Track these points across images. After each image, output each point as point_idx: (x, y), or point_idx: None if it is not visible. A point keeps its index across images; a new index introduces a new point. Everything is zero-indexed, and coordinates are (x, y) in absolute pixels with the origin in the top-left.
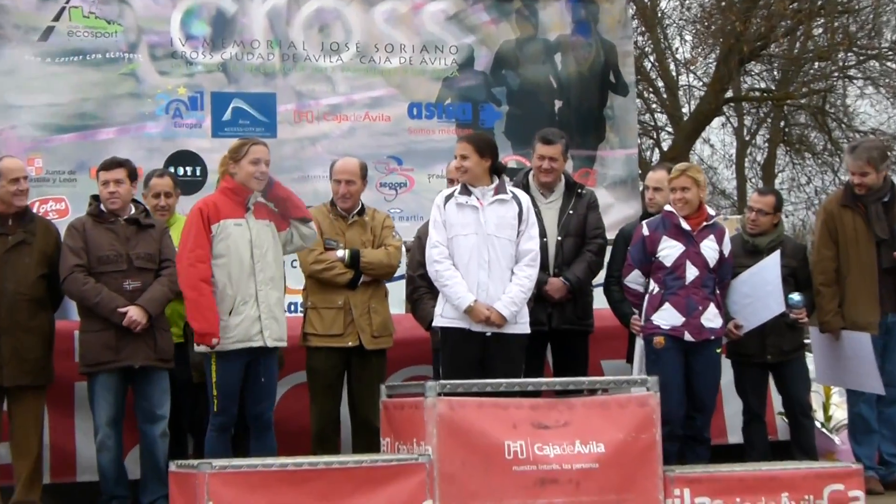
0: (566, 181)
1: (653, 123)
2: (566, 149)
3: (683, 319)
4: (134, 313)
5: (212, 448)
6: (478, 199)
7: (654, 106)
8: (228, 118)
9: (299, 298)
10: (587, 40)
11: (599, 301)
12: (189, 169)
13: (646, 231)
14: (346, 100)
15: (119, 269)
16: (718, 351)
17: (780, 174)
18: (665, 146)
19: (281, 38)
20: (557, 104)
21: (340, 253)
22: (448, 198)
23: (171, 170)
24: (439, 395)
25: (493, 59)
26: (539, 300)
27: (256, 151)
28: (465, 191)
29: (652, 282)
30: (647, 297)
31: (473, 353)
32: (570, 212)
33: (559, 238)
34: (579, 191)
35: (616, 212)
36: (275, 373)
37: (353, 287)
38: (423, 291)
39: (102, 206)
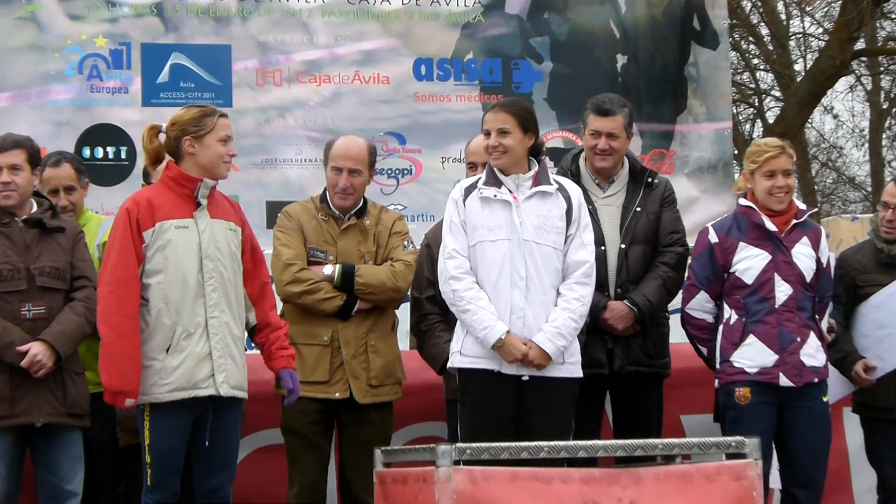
0: (631, 167)
1: (753, 86)
2: (630, 121)
3: (776, 357)
4: (37, 351)
5: None
6: (511, 191)
7: (755, 62)
8: (165, 80)
9: None
10: None
11: (678, 334)
12: (111, 150)
13: (714, 236)
14: (328, 54)
15: (15, 288)
16: (827, 400)
17: None
18: (771, 117)
19: None
20: (620, 61)
21: (329, 269)
22: (469, 190)
23: (87, 151)
24: (456, 462)
25: None
26: (595, 332)
27: (225, 126)
28: (494, 180)
29: (726, 307)
30: (720, 329)
31: (504, 405)
32: (638, 209)
33: (622, 246)
34: (649, 180)
35: (702, 208)
36: (234, 433)
37: (344, 317)
38: (434, 320)
39: None
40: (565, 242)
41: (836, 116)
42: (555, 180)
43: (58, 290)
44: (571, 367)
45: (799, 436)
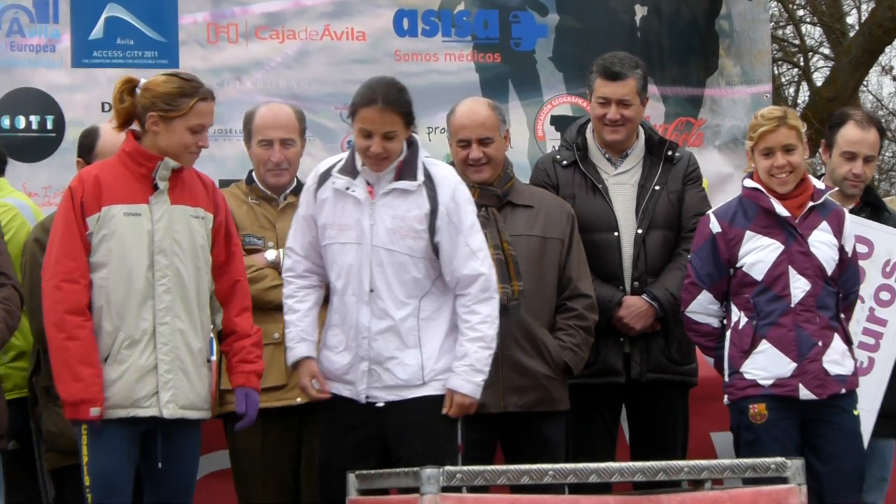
0: (647, 138)
1: (798, 42)
2: (644, 85)
3: (794, 366)
4: None
5: None
6: (369, 183)
7: (800, 14)
8: (99, 35)
9: None
10: None
11: None
12: (35, 119)
13: (716, 225)
14: (292, 5)
15: None
16: (858, 413)
17: None
18: (818, 79)
19: None
20: (639, 12)
21: (272, 254)
22: (324, 177)
23: (6, 121)
24: (445, 489)
25: None
26: (609, 333)
27: (202, 113)
28: (351, 169)
29: (734, 308)
30: (728, 334)
31: (363, 431)
32: (656, 188)
33: (639, 231)
34: (669, 153)
35: (736, 187)
36: (189, 456)
37: None
38: None
39: None
40: (436, 250)
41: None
42: (426, 172)
43: None
44: (435, 384)
45: (827, 457)
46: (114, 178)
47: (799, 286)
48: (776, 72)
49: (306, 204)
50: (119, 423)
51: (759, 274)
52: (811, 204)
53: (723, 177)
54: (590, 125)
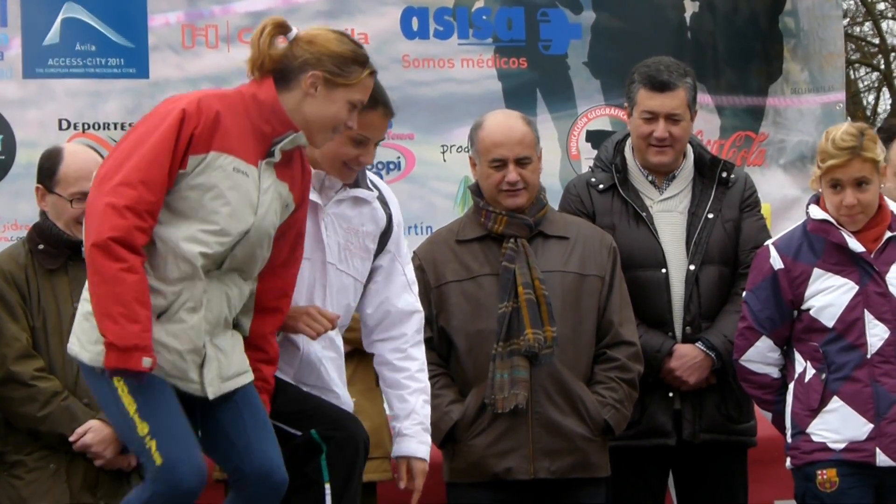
0: (697, 158)
1: (877, 41)
2: (694, 96)
3: (871, 427)
4: None
5: None
6: (315, 189)
7: (880, 8)
8: (55, 41)
9: None
10: None
11: None
12: None
13: (777, 260)
14: (282, 2)
15: None
16: None
17: None
18: None
19: None
20: (690, 8)
21: None
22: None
23: None
24: None
25: None
26: (656, 388)
27: (366, 89)
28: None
29: (799, 357)
30: (791, 387)
31: None
32: (709, 216)
33: (691, 268)
34: (724, 175)
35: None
36: (257, 407)
37: None
38: (431, 372)
39: None
40: (371, 274)
41: None
42: (372, 183)
43: None
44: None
45: None
46: (234, 123)
47: (876, 333)
48: (852, 76)
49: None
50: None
51: (829, 319)
52: (889, 234)
53: (788, 201)
54: (629, 142)
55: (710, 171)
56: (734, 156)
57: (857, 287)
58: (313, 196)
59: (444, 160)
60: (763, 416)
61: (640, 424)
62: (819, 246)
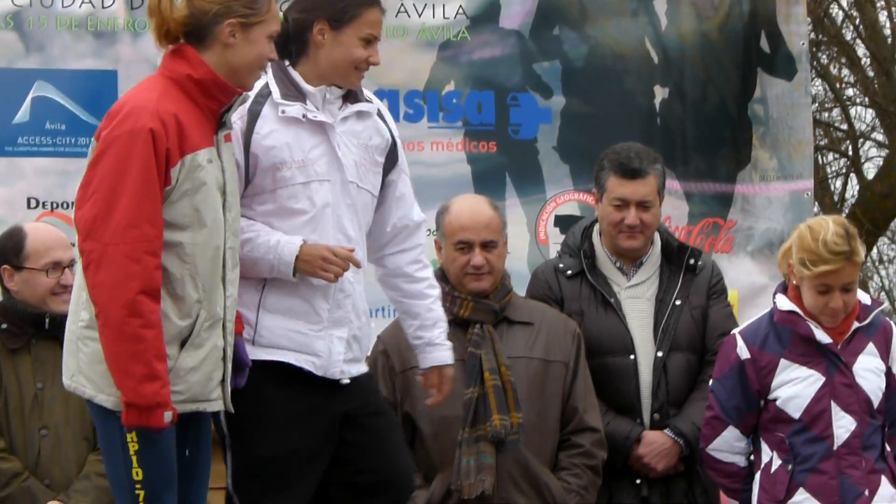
0: (665, 244)
1: (846, 128)
2: (663, 183)
3: None
4: None
5: None
6: (318, 108)
7: (849, 93)
8: (25, 119)
9: None
10: None
11: None
12: None
13: (744, 350)
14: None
15: None
16: None
17: None
18: (870, 170)
19: None
20: (659, 94)
21: None
22: (256, 109)
23: None
24: None
25: (535, 8)
26: (624, 474)
27: (277, 17)
28: (295, 91)
29: (765, 447)
30: (757, 477)
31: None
32: (677, 303)
33: (659, 354)
34: (691, 262)
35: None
36: (209, 439)
37: None
38: None
39: None
40: (385, 188)
41: None
42: (369, 96)
43: None
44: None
45: None
46: (187, 115)
47: (843, 425)
48: (820, 162)
49: (241, 144)
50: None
51: (796, 411)
52: (856, 325)
53: (756, 288)
54: (596, 227)
55: (677, 258)
56: (702, 242)
57: (823, 378)
58: (321, 115)
59: None
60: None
61: None
62: (786, 336)
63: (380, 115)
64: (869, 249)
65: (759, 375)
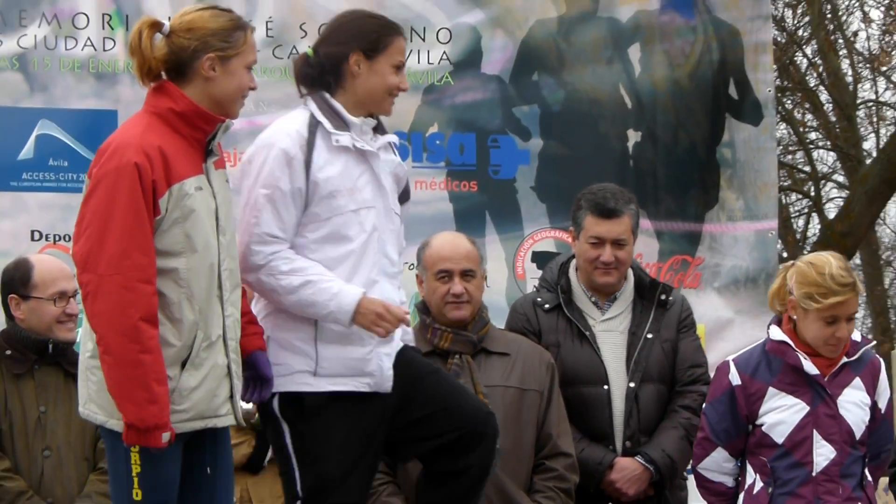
0: (637, 280)
1: (809, 169)
2: (637, 222)
3: None
4: None
5: None
6: (359, 137)
7: (812, 137)
8: (29, 156)
9: None
10: (688, 21)
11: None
12: None
13: (735, 377)
14: (246, 124)
15: None
16: None
17: None
18: (831, 210)
19: (128, 10)
20: (632, 138)
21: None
22: (312, 140)
23: None
24: None
25: (516, 55)
26: (597, 499)
27: (253, 46)
28: (340, 120)
29: (750, 469)
30: (741, 497)
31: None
32: (648, 336)
33: (631, 385)
34: (662, 297)
35: (738, 334)
36: (231, 455)
37: (255, 470)
38: (379, 480)
39: None
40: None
41: None
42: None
43: None
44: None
45: None
46: (173, 147)
47: (823, 454)
48: (784, 201)
49: (291, 175)
50: (178, 437)
51: (780, 437)
52: (845, 360)
53: (722, 322)
54: (573, 264)
55: (649, 294)
56: (671, 278)
57: (808, 408)
58: (364, 142)
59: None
60: None
61: None
62: (776, 365)
63: (394, 146)
64: None
65: (748, 401)
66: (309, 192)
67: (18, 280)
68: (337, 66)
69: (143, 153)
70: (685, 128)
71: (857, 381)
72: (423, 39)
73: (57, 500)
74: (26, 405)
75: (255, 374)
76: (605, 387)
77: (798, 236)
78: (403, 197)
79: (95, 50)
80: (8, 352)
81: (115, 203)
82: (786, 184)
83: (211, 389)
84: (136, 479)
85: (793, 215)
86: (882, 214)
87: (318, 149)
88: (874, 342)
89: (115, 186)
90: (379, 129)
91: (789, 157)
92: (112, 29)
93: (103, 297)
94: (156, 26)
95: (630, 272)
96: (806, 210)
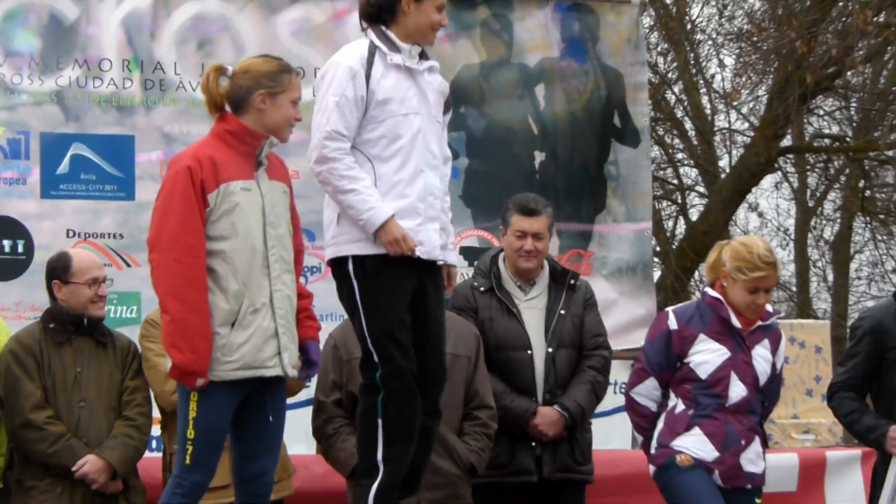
0: (552, 269)
1: (676, 182)
2: (552, 222)
3: (717, 455)
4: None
5: None
6: (407, 60)
7: (679, 157)
8: (65, 171)
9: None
10: (582, 66)
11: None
12: (7, 243)
13: (673, 323)
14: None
15: None
16: (759, 502)
17: (857, 255)
18: (694, 214)
19: (142, 56)
20: (538, 157)
21: None
22: (371, 59)
23: None
24: None
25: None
26: (523, 439)
27: (299, 86)
28: (394, 45)
29: (673, 395)
30: (663, 416)
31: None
32: (562, 312)
33: (549, 350)
34: (571, 282)
35: (621, 311)
36: (284, 414)
37: None
38: (339, 423)
39: None
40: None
41: (761, 215)
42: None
43: None
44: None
45: None
46: (224, 156)
47: (737, 391)
48: (656, 207)
49: (354, 86)
50: (232, 384)
51: (704, 373)
52: (760, 323)
53: (608, 302)
54: (501, 255)
55: (561, 279)
56: (568, 267)
57: (729, 354)
58: (411, 63)
59: None
60: (597, 460)
61: (510, 466)
62: (708, 317)
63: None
64: (691, 274)
65: (681, 343)
66: (368, 99)
67: (60, 269)
68: (392, 6)
69: (196, 160)
70: (579, 150)
71: (766, 341)
72: None
73: (90, 441)
74: (66, 366)
75: (307, 357)
76: (529, 352)
77: (668, 235)
78: (446, 108)
79: (117, 88)
80: (51, 325)
81: (172, 198)
82: (658, 193)
83: (256, 346)
84: (191, 422)
85: (664, 218)
86: (734, 217)
87: (376, 66)
88: (781, 314)
89: (173, 186)
90: (423, 56)
91: (661, 172)
92: (130, 71)
93: (162, 269)
94: (220, 70)
95: (546, 263)
96: (674, 214)
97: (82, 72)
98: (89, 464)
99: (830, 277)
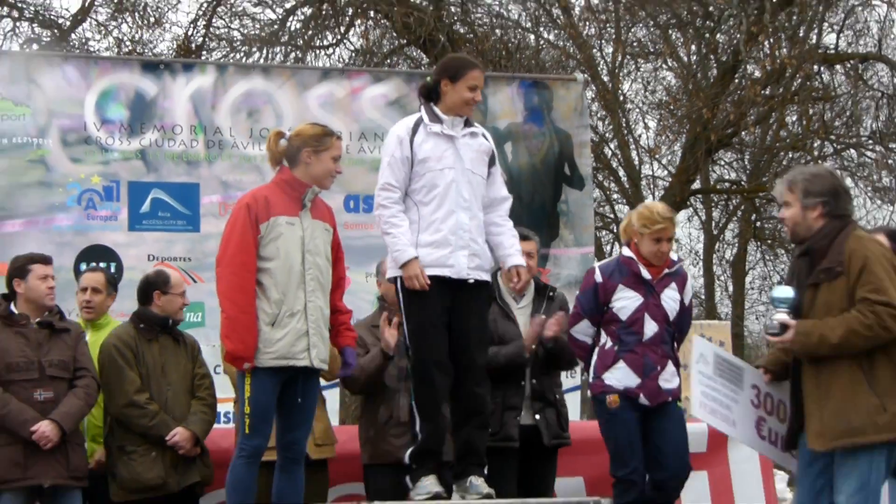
0: (535, 284)
1: (612, 216)
2: (538, 248)
3: (639, 381)
4: (46, 429)
5: (238, 478)
6: (449, 129)
7: (614, 196)
8: (147, 210)
9: (230, 407)
10: (540, 129)
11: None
12: (102, 265)
13: (599, 277)
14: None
15: (30, 377)
16: (680, 405)
17: (750, 271)
18: None
19: (206, 123)
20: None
21: None
22: (415, 128)
23: (83, 266)
24: None
25: None
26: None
27: (339, 147)
28: (436, 117)
29: (603, 334)
30: (596, 350)
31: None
32: (543, 316)
33: (534, 347)
34: (550, 294)
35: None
36: (315, 398)
37: None
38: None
39: (12, 308)
40: (487, 178)
41: (677, 241)
42: (477, 125)
43: (63, 379)
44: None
45: (658, 432)
46: (276, 198)
47: (650, 328)
48: (597, 235)
49: (402, 148)
50: (274, 370)
51: (623, 315)
52: (667, 271)
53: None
54: (499, 273)
55: (543, 292)
56: None
57: (642, 299)
58: (450, 130)
59: (366, 280)
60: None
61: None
62: (624, 271)
63: (484, 136)
64: None
65: (605, 292)
66: (412, 159)
67: (161, 282)
68: (436, 87)
69: (254, 198)
70: (539, 193)
71: (674, 284)
72: (381, 139)
73: (175, 416)
74: (155, 358)
75: (345, 360)
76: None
77: (606, 256)
78: (491, 163)
79: (186, 147)
80: (141, 325)
81: (234, 226)
82: (598, 225)
83: (289, 342)
84: (247, 400)
85: (603, 244)
86: None
87: (419, 133)
88: (685, 261)
89: (236, 217)
90: (468, 124)
91: (601, 209)
92: (196, 134)
93: (223, 279)
94: (279, 134)
95: (532, 280)
96: (611, 240)
97: (160, 135)
98: (179, 434)
99: (731, 288)
